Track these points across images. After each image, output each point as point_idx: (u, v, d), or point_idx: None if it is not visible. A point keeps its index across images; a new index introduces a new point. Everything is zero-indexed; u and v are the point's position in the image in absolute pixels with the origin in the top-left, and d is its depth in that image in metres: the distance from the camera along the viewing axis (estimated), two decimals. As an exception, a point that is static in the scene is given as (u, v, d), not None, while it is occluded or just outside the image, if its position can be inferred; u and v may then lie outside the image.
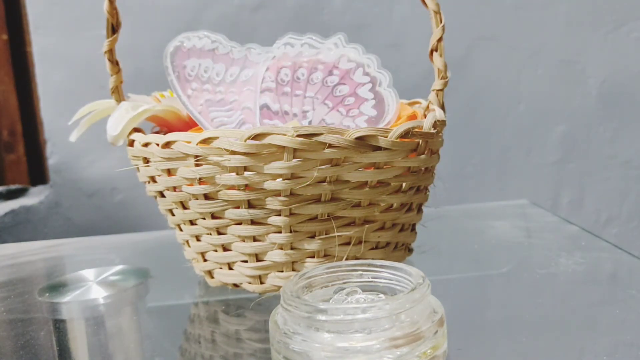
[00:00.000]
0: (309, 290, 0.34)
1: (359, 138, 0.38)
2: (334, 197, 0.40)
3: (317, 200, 0.40)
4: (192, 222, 0.44)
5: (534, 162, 1.17)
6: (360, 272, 0.34)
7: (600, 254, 0.53)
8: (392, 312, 0.29)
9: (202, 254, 0.46)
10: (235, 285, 0.45)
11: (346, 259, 0.42)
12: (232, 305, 0.44)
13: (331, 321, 0.29)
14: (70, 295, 0.47)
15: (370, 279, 0.34)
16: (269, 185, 0.39)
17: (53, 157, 1.06)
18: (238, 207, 0.41)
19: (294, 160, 0.38)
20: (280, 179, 0.39)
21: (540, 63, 1.14)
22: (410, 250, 0.48)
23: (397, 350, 0.28)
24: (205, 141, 0.39)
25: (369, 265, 0.34)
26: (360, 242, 0.42)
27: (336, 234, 0.41)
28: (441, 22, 0.41)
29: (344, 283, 0.34)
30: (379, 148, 0.38)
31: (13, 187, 1.08)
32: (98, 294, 0.47)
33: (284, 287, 0.32)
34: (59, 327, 0.43)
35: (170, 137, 0.41)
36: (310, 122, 0.46)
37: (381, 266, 0.34)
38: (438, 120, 0.41)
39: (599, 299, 0.45)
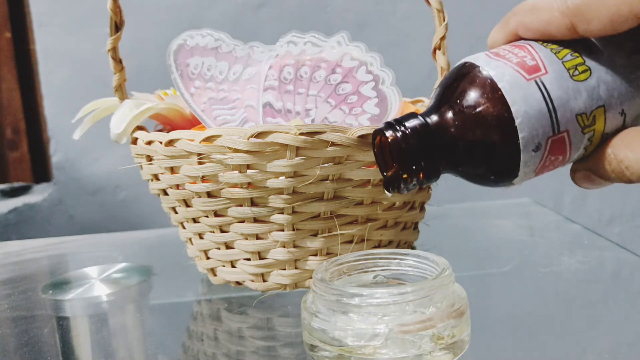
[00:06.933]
0: (339, 275, 0.36)
1: (362, 136, 0.38)
2: (337, 195, 0.40)
3: (320, 198, 0.40)
4: (195, 220, 0.44)
5: (536, 160, 1.16)
6: (388, 260, 0.37)
7: (603, 252, 0.53)
8: (416, 298, 0.30)
9: (205, 252, 0.46)
10: (238, 283, 0.45)
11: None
12: (235, 303, 0.44)
13: (355, 305, 0.31)
14: (73, 293, 0.47)
15: (397, 267, 0.36)
16: (272, 183, 0.39)
17: (56, 155, 1.06)
18: (241, 205, 0.41)
19: (296, 158, 0.38)
20: (283, 177, 0.39)
21: (544, 61, 1.14)
22: (412, 249, 0.48)
23: (417, 334, 0.30)
24: (208, 139, 0.39)
25: (396, 253, 0.37)
26: (362, 240, 0.42)
27: (339, 232, 0.41)
28: (444, 20, 0.41)
29: (375, 270, 0.37)
30: (381, 146, 0.38)
31: (16, 184, 1.08)
32: (101, 291, 0.47)
33: (315, 271, 0.34)
34: (62, 325, 0.43)
35: (173, 135, 0.41)
36: (313, 121, 0.46)
37: (407, 254, 0.36)
38: (441, 119, 0.41)
39: (601, 298, 0.45)
